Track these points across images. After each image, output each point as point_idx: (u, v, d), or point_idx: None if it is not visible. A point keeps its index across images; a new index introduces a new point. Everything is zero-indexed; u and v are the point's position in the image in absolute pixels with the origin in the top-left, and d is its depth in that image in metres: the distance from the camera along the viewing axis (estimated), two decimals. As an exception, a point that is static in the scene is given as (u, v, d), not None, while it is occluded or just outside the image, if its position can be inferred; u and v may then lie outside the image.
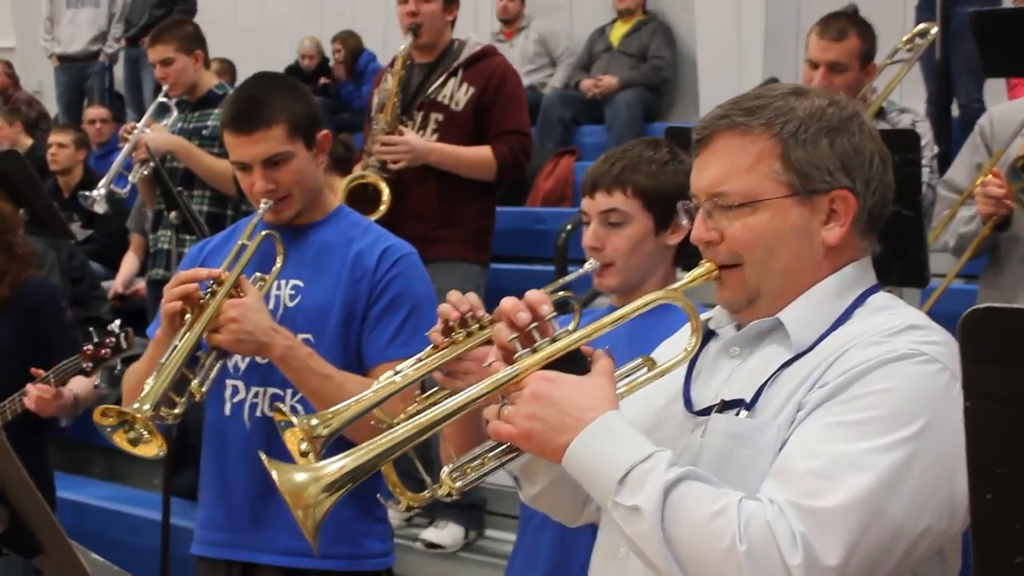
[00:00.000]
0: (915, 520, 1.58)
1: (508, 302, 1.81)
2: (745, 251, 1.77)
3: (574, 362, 1.75)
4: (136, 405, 2.56)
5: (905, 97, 6.94)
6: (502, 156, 4.58)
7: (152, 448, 2.60)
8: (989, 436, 1.19)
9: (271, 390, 2.84)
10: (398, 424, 2.00)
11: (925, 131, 3.99)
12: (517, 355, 1.76)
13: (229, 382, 2.88)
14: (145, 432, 2.58)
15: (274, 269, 2.82)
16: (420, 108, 4.65)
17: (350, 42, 9.81)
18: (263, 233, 2.83)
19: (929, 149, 3.97)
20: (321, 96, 9.85)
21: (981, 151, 3.69)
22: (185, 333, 2.64)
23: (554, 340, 1.77)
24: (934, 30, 4.49)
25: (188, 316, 2.67)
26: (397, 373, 2.26)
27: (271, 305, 2.84)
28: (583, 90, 8.34)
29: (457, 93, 4.61)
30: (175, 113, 5.43)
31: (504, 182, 4.74)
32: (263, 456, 1.78)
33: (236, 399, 2.88)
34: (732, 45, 8.21)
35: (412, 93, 4.68)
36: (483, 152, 4.58)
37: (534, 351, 1.76)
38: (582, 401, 1.67)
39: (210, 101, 5.44)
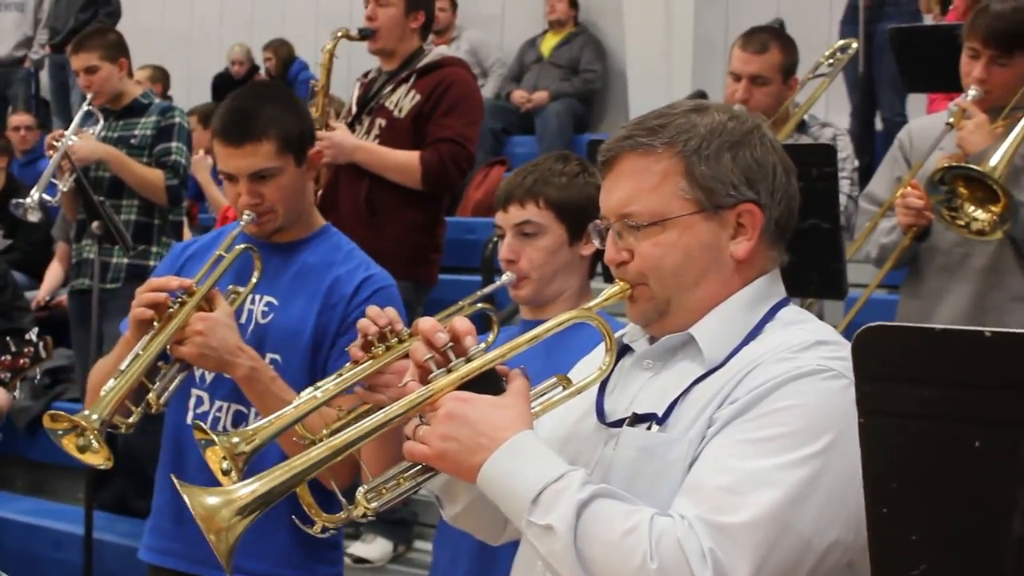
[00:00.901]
0: (823, 534, 1.61)
1: (426, 322, 1.83)
2: (656, 269, 1.79)
3: (489, 382, 1.76)
4: (87, 413, 2.52)
5: (831, 110, 7.08)
6: (428, 163, 4.49)
7: (99, 458, 2.56)
8: (884, 451, 1.21)
9: (235, 407, 2.80)
10: (320, 440, 2.02)
11: (845, 145, 4.07)
12: (432, 375, 1.77)
13: (195, 391, 2.85)
14: (94, 441, 2.54)
15: (249, 284, 2.79)
16: (369, 113, 4.64)
17: (282, 51, 9.76)
18: (240, 247, 2.79)
19: (850, 162, 4.03)
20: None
21: (900, 164, 3.75)
22: (149, 342, 2.60)
23: (469, 360, 1.78)
24: (854, 45, 4.56)
25: (156, 324, 2.62)
26: (317, 389, 2.29)
27: (243, 319, 2.81)
28: (514, 101, 8.36)
29: (403, 100, 4.57)
30: (101, 121, 5.37)
31: (433, 191, 4.59)
32: (174, 479, 1.77)
33: (200, 410, 2.84)
34: (661, 57, 8.30)
35: (369, 98, 4.66)
36: (410, 157, 4.50)
37: (449, 371, 1.77)
38: (496, 421, 1.69)
39: (136, 110, 5.40)
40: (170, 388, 2.66)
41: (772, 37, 4.08)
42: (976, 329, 1.08)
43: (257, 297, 2.84)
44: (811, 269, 3.15)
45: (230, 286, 2.80)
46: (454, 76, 4.62)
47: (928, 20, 6.14)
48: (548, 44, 8.65)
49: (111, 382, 2.57)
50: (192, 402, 2.85)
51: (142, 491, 4.29)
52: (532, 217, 2.55)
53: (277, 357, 2.77)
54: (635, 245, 1.80)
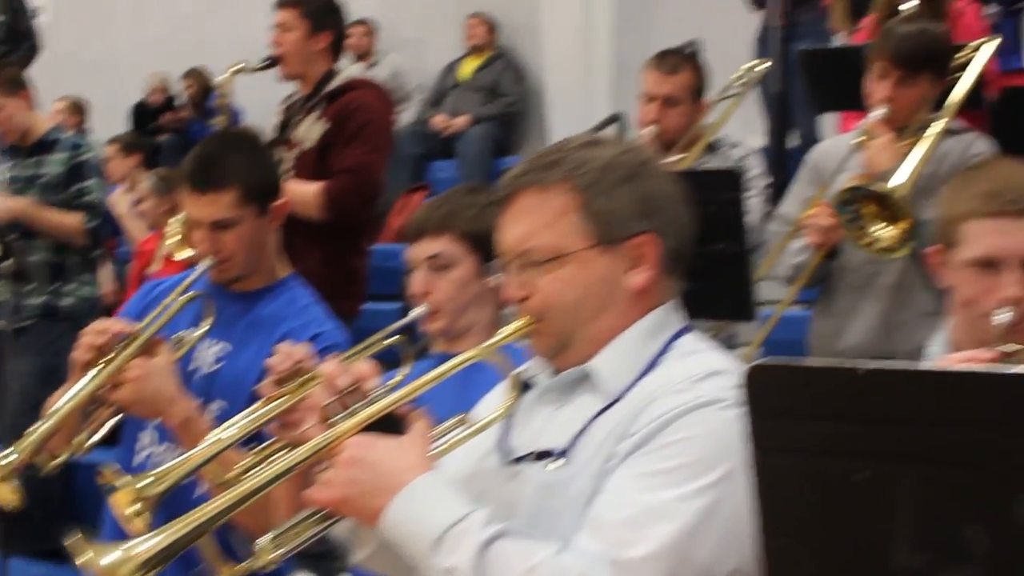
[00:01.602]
0: (722, 563, 1.63)
1: (327, 366, 1.84)
2: (555, 304, 1.80)
3: (391, 424, 1.76)
4: (8, 450, 2.51)
5: (747, 129, 7.16)
6: (328, 194, 4.34)
7: (9, 495, 2.53)
8: (773, 486, 1.22)
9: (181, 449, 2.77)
10: (229, 482, 2.00)
11: (755, 164, 4.10)
12: (334, 419, 1.76)
13: (143, 434, 2.83)
14: (12, 479, 2.52)
15: (199, 331, 2.79)
16: (283, 143, 4.54)
17: (201, 78, 9.70)
18: (190, 294, 2.79)
19: (759, 181, 4.06)
20: (171, 133, 9.75)
21: (810, 184, 3.81)
22: (85, 384, 2.59)
23: (371, 402, 1.77)
24: (763, 67, 4.63)
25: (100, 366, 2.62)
26: (230, 427, 2.27)
27: (193, 365, 2.81)
28: (434, 126, 8.37)
29: (311, 130, 4.46)
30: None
31: (336, 221, 4.42)
32: (73, 535, 1.75)
33: (146, 452, 2.81)
34: (580, 80, 8.36)
35: (284, 127, 4.57)
36: (307, 189, 4.35)
37: (351, 415, 1.76)
38: (397, 464, 1.69)
39: (45, 146, 5.30)
40: (101, 432, 2.65)
41: (683, 59, 4.12)
42: (852, 365, 1.10)
43: (211, 343, 2.84)
44: (721, 293, 3.19)
45: (180, 332, 2.80)
46: (360, 101, 4.47)
47: (839, 39, 6.23)
48: (468, 68, 8.68)
49: (39, 423, 2.55)
50: (140, 443, 2.83)
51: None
52: (443, 250, 2.54)
53: (224, 404, 2.76)
54: (534, 281, 1.81)
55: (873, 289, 3.64)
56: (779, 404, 1.15)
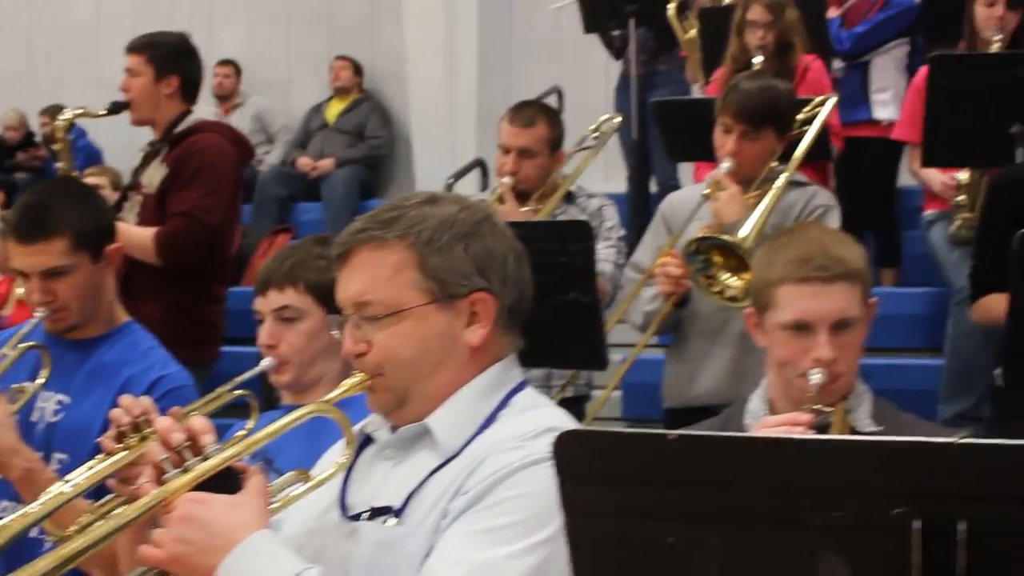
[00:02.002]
0: None
1: (162, 422, 1.82)
2: (392, 359, 1.81)
3: (227, 480, 1.75)
4: None
5: (609, 175, 7.29)
6: (161, 239, 4.28)
7: None
8: (589, 549, 1.24)
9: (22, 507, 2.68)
10: (68, 535, 1.97)
11: (612, 214, 4.17)
12: (168, 475, 1.74)
13: None
14: None
15: (36, 383, 2.73)
16: (134, 187, 4.50)
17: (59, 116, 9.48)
18: (24, 345, 2.74)
19: (616, 231, 4.13)
20: (28, 172, 9.52)
21: (662, 233, 3.87)
22: None
23: (207, 458, 1.76)
24: (617, 120, 4.73)
25: None
26: (67, 483, 2.23)
27: (34, 417, 2.75)
28: (300, 168, 8.33)
29: (155, 175, 4.41)
30: None
31: (174, 267, 4.34)
32: None
33: None
34: (445, 123, 8.42)
35: (139, 171, 4.52)
36: (145, 234, 4.29)
37: (185, 471, 1.75)
38: (231, 522, 1.68)
39: None
40: None
41: (539, 112, 4.18)
42: (660, 433, 1.13)
43: (50, 395, 2.79)
44: (573, 341, 3.23)
45: (18, 384, 2.74)
46: (199, 144, 4.42)
47: (695, 89, 6.39)
48: (334, 110, 8.66)
49: None
50: None
51: None
52: (291, 302, 2.54)
53: (65, 457, 2.71)
54: (372, 336, 1.82)
55: (723, 336, 3.72)
56: (589, 470, 1.17)
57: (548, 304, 3.11)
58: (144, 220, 4.39)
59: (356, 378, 1.84)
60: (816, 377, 2.20)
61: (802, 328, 2.24)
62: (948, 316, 4.89)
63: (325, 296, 2.52)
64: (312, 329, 2.54)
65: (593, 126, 4.58)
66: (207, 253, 4.37)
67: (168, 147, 4.43)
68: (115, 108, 4.49)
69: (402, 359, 1.81)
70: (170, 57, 4.46)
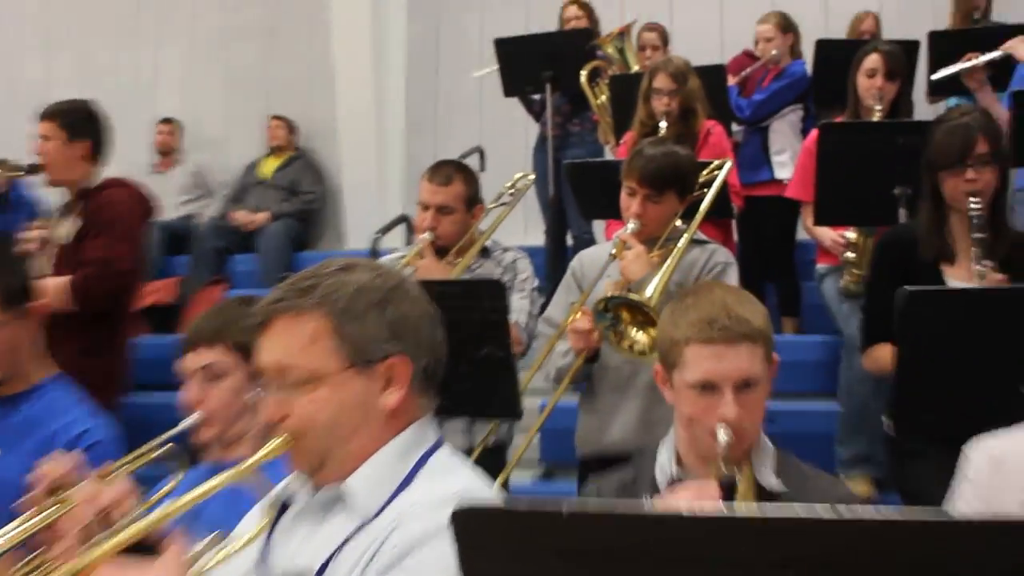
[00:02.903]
0: None
1: (82, 489, 1.75)
2: (311, 424, 1.78)
3: (146, 546, 1.70)
4: None
5: (528, 229, 7.31)
6: (74, 286, 4.32)
7: None
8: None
9: None
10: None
11: (525, 266, 4.12)
12: (91, 541, 1.69)
13: None
14: None
15: None
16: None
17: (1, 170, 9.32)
18: None
19: (529, 283, 4.10)
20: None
21: (573, 290, 3.86)
22: None
23: (130, 522, 1.72)
24: (531, 177, 4.73)
25: None
26: (-10, 542, 2.14)
27: None
28: (235, 221, 8.25)
29: (71, 228, 4.48)
30: None
31: (89, 310, 4.37)
32: None
33: None
34: (374, 180, 8.40)
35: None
36: (59, 282, 4.35)
37: (106, 537, 1.69)
38: None
39: None
40: None
41: (456, 170, 4.15)
42: (555, 508, 1.10)
43: None
44: (490, 393, 3.20)
45: None
46: (111, 197, 4.51)
47: (608, 150, 6.44)
48: (269, 167, 8.60)
49: None
50: None
51: None
52: (215, 360, 2.50)
53: None
54: (291, 402, 1.79)
55: (632, 388, 3.70)
56: (486, 544, 1.14)
57: (465, 359, 3.12)
58: (59, 271, 4.43)
59: (277, 441, 1.81)
60: (723, 437, 2.17)
61: (708, 387, 2.22)
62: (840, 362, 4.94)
63: (249, 354, 2.49)
64: (235, 386, 2.51)
65: (509, 183, 4.56)
66: (116, 299, 4.43)
67: (82, 202, 4.50)
68: (31, 169, 4.57)
69: (321, 424, 1.77)
70: (80, 122, 4.56)
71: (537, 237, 6.95)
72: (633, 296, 3.40)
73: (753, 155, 6.32)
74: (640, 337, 3.48)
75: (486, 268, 4.09)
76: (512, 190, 4.51)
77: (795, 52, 6.58)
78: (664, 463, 2.37)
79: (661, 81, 5.12)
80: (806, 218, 4.89)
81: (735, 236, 5.63)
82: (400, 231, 7.20)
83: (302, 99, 8.99)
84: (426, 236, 3.99)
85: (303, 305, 1.79)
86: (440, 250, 4.02)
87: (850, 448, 4.86)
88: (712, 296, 2.29)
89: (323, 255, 8.37)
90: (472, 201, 4.11)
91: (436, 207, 4.03)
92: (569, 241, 6.76)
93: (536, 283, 4.16)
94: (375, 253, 6.19)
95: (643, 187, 3.63)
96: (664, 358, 2.34)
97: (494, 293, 3.15)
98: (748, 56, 6.80)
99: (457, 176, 4.09)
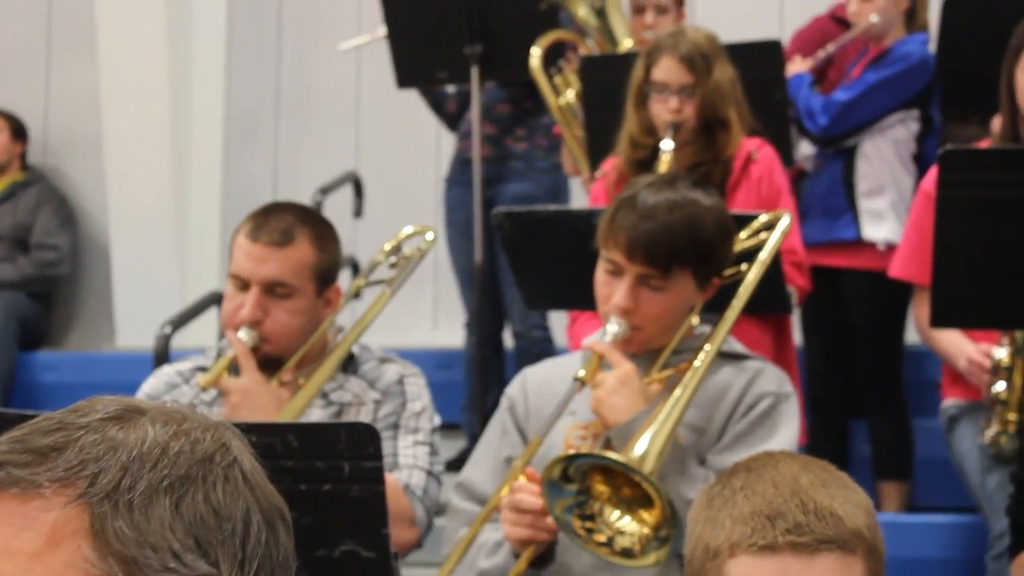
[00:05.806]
0: None
1: None
2: None
3: None
4: None
5: (440, 320, 7.36)
6: None
7: None
8: None
9: None
10: None
11: (418, 391, 4.05)
12: None
13: None
14: None
15: None
16: None
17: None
18: None
19: (426, 418, 4.04)
20: None
21: (512, 436, 3.83)
22: None
23: None
24: (431, 236, 4.76)
25: None
26: None
27: None
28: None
29: None
30: None
31: None
32: None
33: None
34: (167, 230, 8.60)
35: None
36: None
37: None
38: None
39: None
40: None
41: (299, 221, 4.13)
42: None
43: None
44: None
45: None
46: None
47: (578, 183, 6.55)
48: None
49: None
50: None
51: None
52: None
53: None
54: None
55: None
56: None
57: (311, 562, 3.10)
58: None
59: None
60: None
61: None
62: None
63: None
64: None
65: (390, 244, 4.48)
66: None
67: None
68: None
69: None
70: None
71: (451, 336, 7.00)
72: (614, 456, 3.40)
73: (829, 197, 6.37)
74: (626, 526, 3.49)
75: (350, 393, 4.11)
76: (398, 255, 4.45)
77: (916, 21, 6.54)
78: None
79: (667, 69, 5.18)
80: (921, 314, 4.92)
81: (795, 341, 5.64)
82: (211, 316, 7.22)
83: (35, 81, 9.10)
84: (243, 336, 3.97)
85: (38, 479, 1.75)
86: (268, 361, 4.02)
87: None
88: (776, 474, 2.33)
89: (73, 361, 8.34)
90: (326, 275, 4.12)
91: (262, 285, 4.03)
92: (507, 343, 6.79)
93: (437, 421, 4.14)
94: (162, 358, 6.18)
95: (635, 262, 3.64)
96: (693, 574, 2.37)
97: (362, 442, 3.15)
98: (832, 21, 6.87)
99: (301, 231, 4.09)
